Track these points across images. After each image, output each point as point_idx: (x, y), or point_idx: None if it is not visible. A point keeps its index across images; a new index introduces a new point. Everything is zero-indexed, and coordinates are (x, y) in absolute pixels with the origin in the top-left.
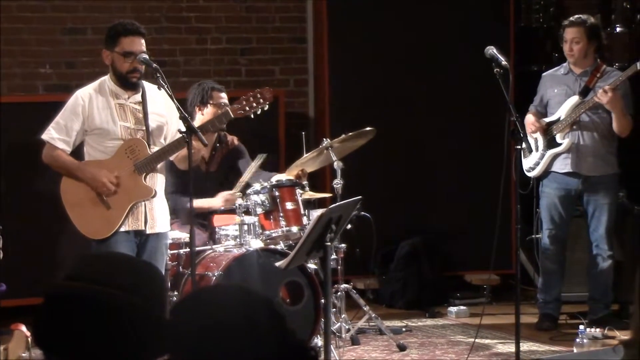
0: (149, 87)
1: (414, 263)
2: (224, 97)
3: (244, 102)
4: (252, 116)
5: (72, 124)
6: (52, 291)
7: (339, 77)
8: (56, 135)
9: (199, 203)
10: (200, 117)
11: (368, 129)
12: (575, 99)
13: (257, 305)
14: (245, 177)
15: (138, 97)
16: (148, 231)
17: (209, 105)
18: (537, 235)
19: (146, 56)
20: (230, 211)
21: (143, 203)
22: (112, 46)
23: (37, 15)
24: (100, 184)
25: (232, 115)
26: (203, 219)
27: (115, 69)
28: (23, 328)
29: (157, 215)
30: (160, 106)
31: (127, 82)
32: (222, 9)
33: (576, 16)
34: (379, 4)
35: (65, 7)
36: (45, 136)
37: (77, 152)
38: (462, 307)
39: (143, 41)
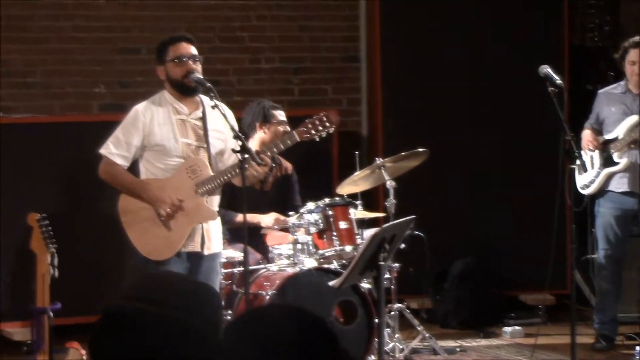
0: (208, 102)
1: (468, 282)
2: (283, 116)
3: (310, 126)
4: (317, 139)
5: (131, 139)
6: (109, 310)
7: (391, 96)
8: (115, 151)
9: (249, 217)
10: (262, 135)
11: (421, 150)
12: (635, 118)
13: (311, 325)
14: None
15: (199, 113)
16: (205, 252)
17: (271, 123)
18: (592, 255)
19: (200, 76)
20: (284, 230)
21: (201, 224)
22: (163, 59)
23: (91, 35)
24: (162, 206)
25: (298, 139)
26: (253, 236)
27: (171, 78)
28: (78, 346)
29: (213, 236)
30: (219, 123)
31: (185, 89)
32: (275, 29)
33: None
34: (432, 23)
35: (119, 28)
36: (103, 151)
37: (132, 168)
38: (516, 327)
39: (192, 47)
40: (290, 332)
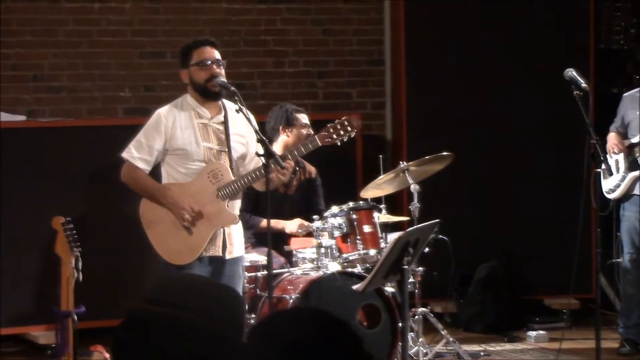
0: (230, 106)
1: (493, 286)
2: (306, 119)
3: (332, 130)
4: (339, 144)
5: (153, 143)
6: (132, 314)
7: (416, 100)
8: (137, 154)
9: (274, 222)
10: (285, 139)
11: (445, 153)
12: None
13: (335, 328)
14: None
15: (221, 117)
16: (227, 257)
17: (294, 126)
18: (617, 260)
19: (224, 79)
20: (308, 234)
21: (222, 228)
22: (186, 62)
23: (117, 39)
24: (182, 212)
25: (320, 144)
26: (278, 241)
27: (194, 82)
28: (102, 349)
29: (234, 241)
30: (241, 127)
31: (208, 93)
32: (299, 33)
33: None
34: (457, 27)
35: (145, 32)
36: (125, 154)
37: (154, 171)
38: (541, 332)
39: (216, 51)
40: (314, 336)
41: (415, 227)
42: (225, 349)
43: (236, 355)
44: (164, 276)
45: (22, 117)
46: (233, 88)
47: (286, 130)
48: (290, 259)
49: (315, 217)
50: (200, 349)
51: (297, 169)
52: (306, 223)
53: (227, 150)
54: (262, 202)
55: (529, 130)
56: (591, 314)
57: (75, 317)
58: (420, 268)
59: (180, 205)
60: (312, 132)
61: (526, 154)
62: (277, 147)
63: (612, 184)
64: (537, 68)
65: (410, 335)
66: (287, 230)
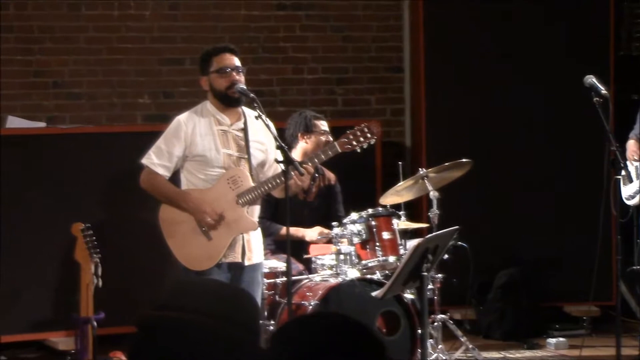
0: (249, 113)
1: (512, 293)
2: (325, 126)
3: (351, 137)
4: (359, 150)
5: (173, 149)
6: (143, 321)
7: (435, 107)
8: (156, 161)
9: (293, 230)
10: (304, 145)
11: (465, 160)
12: None
13: (357, 333)
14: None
15: (240, 124)
16: (246, 263)
17: (313, 133)
18: (638, 267)
19: (244, 86)
20: (327, 241)
21: (241, 235)
22: (206, 69)
23: (137, 46)
24: (203, 216)
25: (340, 150)
26: (297, 247)
27: (214, 89)
28: (121, 356)
29: (254, 247)
30: (261, 134)
31: (228, 100)
32: (318, 39)
33: None
34: (476, 34)
35: (164, 38)
36: (145, 160)
37: (174, 177)
38: (561, 339)
39: (236, 58)
40: (336, 341)
41: (434, 234)
42: (241, 352)
43: (252, 358)
44: (177, 281)
45: (42, 124)
46: (252, 95)
47: (305, 137)
48: (309, 266)
49: (334, 223)
50: (216, 352)
51: (317, 175)
52: (326, 231)
53: (246, 156)
54: (282, 208)
55: (549, 136)
56: (611, 321)
57: (95, 323)
58: (440, 275)
59: (202, 209)
60: (331, 139)
61: (546, 161)
62: (296, 154)
63: (631, 191)
64: (556, 75)
65: (430, 342)
66: (307, 238)
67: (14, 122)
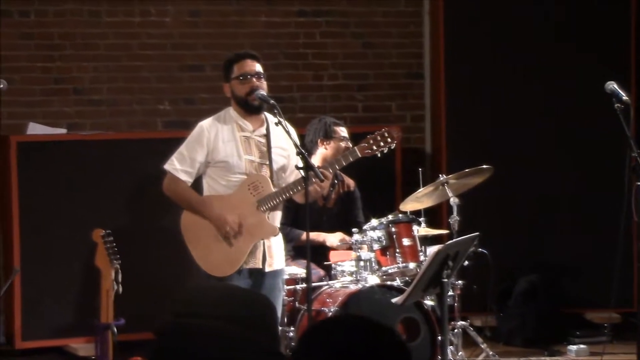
0: (272, 119)
1: (533, 300)
2: (345, 132)
3: (371, 142)
4: (379, 155)
5: (195, 155)
6: (162, 329)
7: (455, 113)
8: (179, 167)
9: (314, 235)
10: (323, 151)
11: (485, 166)
12: None
13: (383, 336)
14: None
15: (263, 130)
16: (267, 269)
17: (332, 139)
18: None
19: (264, 93)
20: (347, 247)
21: (262, 241)
22: (228, 76)
23: (157, 52)
24: (224, 226)
25: (360, 155)
26: (317, 254)
27: (236, 96)
28: None
29: (274, 253)
30: (283, 140)
31: (250, 106)
32: (338, 46)
33: None
34: (497, 41)
35: (185, 45)
36: (167, 166)
37: (196, 183)
38: (582, 346)
39: (257, 64)
40: (362, 344)
41: (454, 240)
42: (260, 356)
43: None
44: (191, 287)
45: (62, 130)
46: (272, 101)
47: (324, 143)
48: (329, 272)
49: (354, 230)
50: (235, 357)
51: (336, 181)
52: (347, 237)
53: (268, 162)
54: (302, 215)
55: (570, 143)
56: (633, 329)
57: (115, 330)
58: (460, 281)
59: (223, 219)
60: (351, 145)
61: (567, 166)
62: (316, 160)
63: None
64: (577, 81)
65: (450, 348)
66: (328, 244)
67: (35, 129)
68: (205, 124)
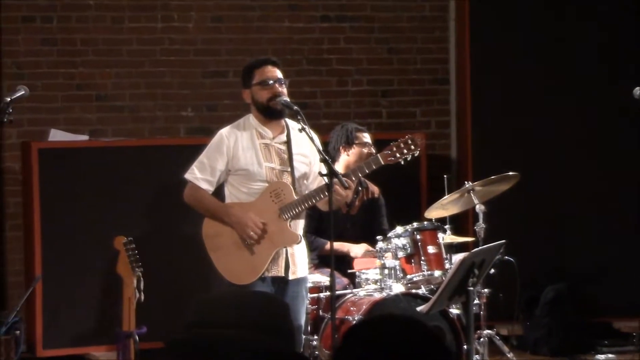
0: (292, 125)
1: (560, 308)
2: (368, 138)
3: (395, 149)
4: (403, 163)
5: (216, 164)
6: (172, 342)
7: (481, 119)
8: (199, 175)
9: (338, 245)
10: (346, 158)
11: (511, 173)
12: None
13: (425, 338)
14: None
15: (283, 137)
16: (290, 277)
17: (354, 146)
18: None
19: (287, 99)
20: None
21: (285, 248)
22: (249, 82)
23: (180, 58)
24: (246, 229)
25: (383, 162)
26: (341, 262)
27: (257, 102)
28: None
29: (298, 261)
30: (304, 146)
31: (271, 112)
32: (363, 51)
33: None
34: (523, 46)
35: (208, 51)
36: (188, 175)
37: (218, 191)
38: (610, 355)
39: (278, 70)
40: (406, 346)
41: (480, 248)
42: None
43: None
44: (201, 298)
45: (84, 137)
46: (296, 107)
47: (346, 150)
48: (353, 280)
49: (378, 237)
50: None
51: (360, 189)
52: (372, 248)
53: (289, 170)
54: (325, 223)
55: (597, 149)
56: None
57: (137, 338)
58: (486, 289)
59: (244, 223)
60: (374, 151)
61: (593, 173)
62: (339, 167)
63: None
64: (605, 87)
65: (476, 357)
66: (352, 254)
67: (57, 135)
68: (225, 131)
